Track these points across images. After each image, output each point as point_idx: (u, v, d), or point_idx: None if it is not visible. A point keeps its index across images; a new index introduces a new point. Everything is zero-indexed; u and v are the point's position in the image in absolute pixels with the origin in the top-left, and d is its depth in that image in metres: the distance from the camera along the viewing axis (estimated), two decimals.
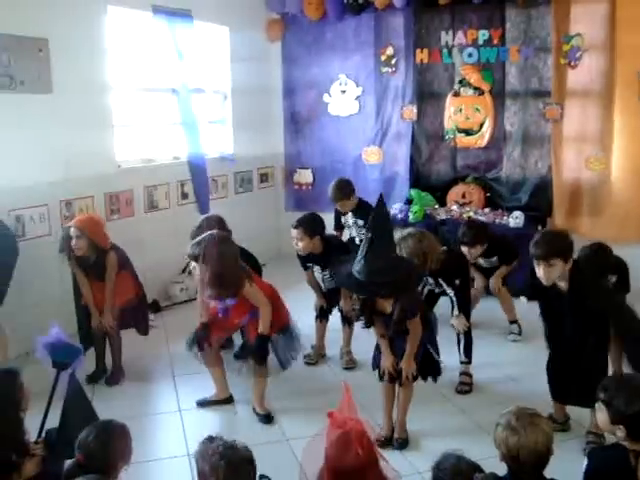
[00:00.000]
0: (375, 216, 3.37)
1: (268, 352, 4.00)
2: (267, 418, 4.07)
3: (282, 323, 4.09)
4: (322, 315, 4.95)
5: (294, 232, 4.55)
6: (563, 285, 3.52)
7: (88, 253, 4.44)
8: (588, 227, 6.47)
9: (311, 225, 4.57)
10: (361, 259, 3.35)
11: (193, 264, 3.83)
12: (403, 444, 3.74)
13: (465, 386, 4.45)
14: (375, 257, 3.30)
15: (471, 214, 6.51)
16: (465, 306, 4.45)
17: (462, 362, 4.52)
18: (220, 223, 4.64)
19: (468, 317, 4.49)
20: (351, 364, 4.83)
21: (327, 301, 4.89)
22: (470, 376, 4.50)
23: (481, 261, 5.35)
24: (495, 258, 5.35)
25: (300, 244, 4.55)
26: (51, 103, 5.11)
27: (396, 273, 3.35)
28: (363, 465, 2.11)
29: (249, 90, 7.42)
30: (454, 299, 4.39)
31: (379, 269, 3.30)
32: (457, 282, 4.36)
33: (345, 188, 5.34)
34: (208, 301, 3.96)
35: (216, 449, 2.21)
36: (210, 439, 2.29)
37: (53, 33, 5.08)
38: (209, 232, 3.87)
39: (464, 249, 5.03)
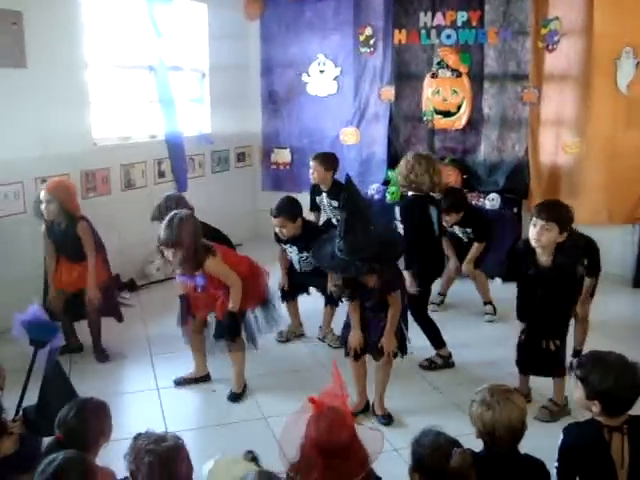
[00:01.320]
0: (346, 196, 3.41)
1: (239, 328, 4.00)
2: (235, 396, 4.10)
3: (260, 297, 4.11)
4: (286, 296, 4.93)
5: (275, 221, 4.53)
6: (544, 260, 3.65)
7: (58, 219, 4.40)
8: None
9: (291, 209, 4.55)
10: (340, 239, 3.38)
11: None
12: (389, 421, 3.80)
13: (426, 362, 4.49)
14: (354, 234, 3.34)
15: None
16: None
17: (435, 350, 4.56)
18: (181, 201, 4.62)
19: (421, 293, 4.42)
20: (338, 342, 4.71)
21: (296, 283, 4.89)
22: (442, 357, 4.52)
23: (457, 230, 5.41)
24: (470, 230, 5.39)
25: (284, 231, 4.54)
26: (26, 78, 5.02)
27: (377, 247, 3.38)
28: (352, 439, 2.16)
29: (227, 68, 7.37)
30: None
31: (360, 246, 3.33)
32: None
33: (329, 158, 5.32)
34: (181, 280, 4.00)
35: (141, 446, 2.19)
36: (135, 437, 2.27)
37: (28, 6, 4.98)
38: (174, 212, 3.81)
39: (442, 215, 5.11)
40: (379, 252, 3.37)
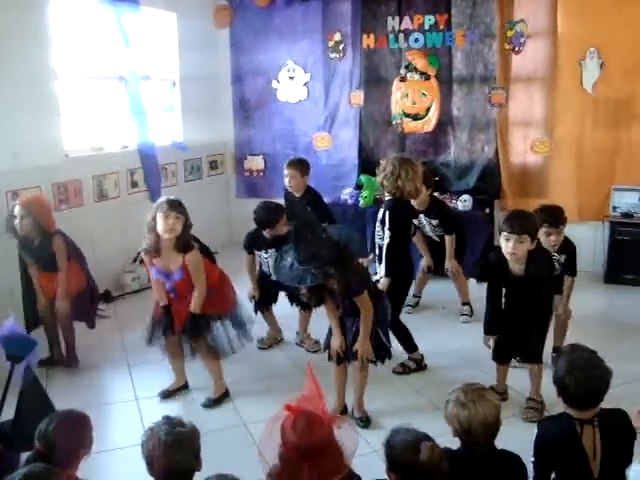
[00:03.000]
0: (288, 207, 3.44)
1: (200, 330, 4.01)
2: (209, 402, 4.12)
3: (226, 308, 4.12)
4: (259, 306, 4.92)
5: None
6: (517, 268, 3.72)
7: (32, 235, 4.38)
8: (534, 208, 6.64)
9: (304, 164, 5.04)
10: (295, 249, 3.38)
11: (144, 243, 3.90)
12: (366, 423, 3.83)
13: (399, 367, 4.48)
14: (306, 241, 3.34)
15: None
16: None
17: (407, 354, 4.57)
18: None
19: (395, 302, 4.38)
20: (316, 347, 4.79)
21: (267, 290, 4.87)
22: (414, 361, 4.54)
23: (423, 220, 5.40)
24: (436, 222, 5.40)
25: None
26: None
27: (333, 248, 3.38)
28: (331, 436, 2.18)
29: (198, 77, 7.37)
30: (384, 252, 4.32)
31: (314, 252, 3.33)
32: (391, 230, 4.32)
33: (304, 163, 5.33)
34: (156, 278, 3.98)
35: (157, 432, 2.36)
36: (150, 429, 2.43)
37: None
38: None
39: None
40: (335, 254, 3.37)
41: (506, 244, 3.66)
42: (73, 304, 4.58)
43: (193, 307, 3.92)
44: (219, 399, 4.15)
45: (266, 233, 4.64)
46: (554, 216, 4.25)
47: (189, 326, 3.97)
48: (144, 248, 3.93)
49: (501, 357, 4.03)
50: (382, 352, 3.84)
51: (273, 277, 4.71)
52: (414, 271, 4.87)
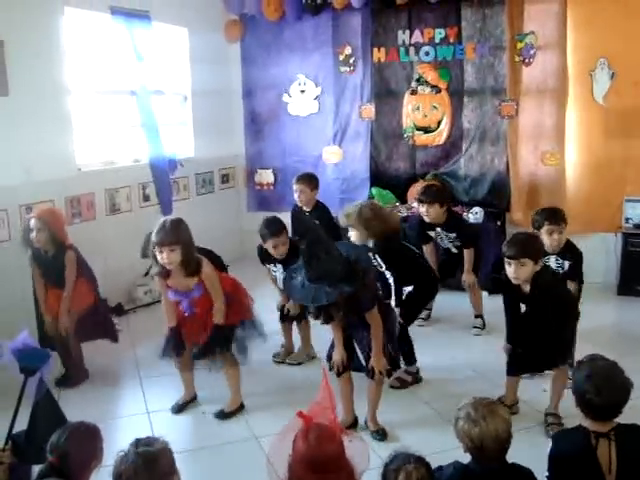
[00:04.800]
0: (298, 226, 3.40)
1: (228, 343, 4.02)
2: (223, 415, 4.12)
3: (242, 317, 4.12)
4: (284, 316, 4.92)
5: (275, 240, 4.50)
6: (525, 287, 3.70)
7: (47, 247, 4.43)
8: (534, 211, 6.62)
9: (313, 179, 5.03)
10: (306, 267, 3.32)
11: (154, 269, 3.85)
12: (382, 436, 3.80)
13: (397, 382, 4.38)
14: (318, 259, 3.27)
15: None
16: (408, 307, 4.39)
17: (405, 364, 4.45)
18: None
19: (408, 317, 4.42)
20: (301, 358, 4.90)
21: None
22: (411, 374, 4.48)
23: (441, 233, 5.38)
24: (454, 235, 5.37)
25: (282, 248, 4.51)
26: (8, 106, 5.04)
27: (345, 265, 3.31)
28: (341, 452, 2.17)
29: (209, 91, 7.42)
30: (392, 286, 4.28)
31: (327, 269, 3.26)
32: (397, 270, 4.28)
33: (313, 178, 5.37)
34: (173, 300, 3.97)
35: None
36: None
37: (9, 35, 5.01)
38: (164, 219, 3.87)
39: (422, 209, 5.16)
40: (348, 270, 3.31)
41: (508, 268, 3.64)
42: (82, 322, 4.59)
43: (216, 319, 3.92)
44: (233, 412, 4.14)
45: (269, 249, 4.59)
46: (555, 214, 4.33)
47: (215, 338, 3.96)
48: (155, 273, 3.91)
49: (515, 370, 3.98)
50: (393, 365, 3.81)
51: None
52: (437, 284, 4.79)
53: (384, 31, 7.09)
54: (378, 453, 3.48)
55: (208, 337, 3.97)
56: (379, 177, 7.29)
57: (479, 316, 5.55)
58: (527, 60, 6.59)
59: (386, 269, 4.24)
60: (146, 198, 6.66)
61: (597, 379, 2.44)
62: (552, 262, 4.36)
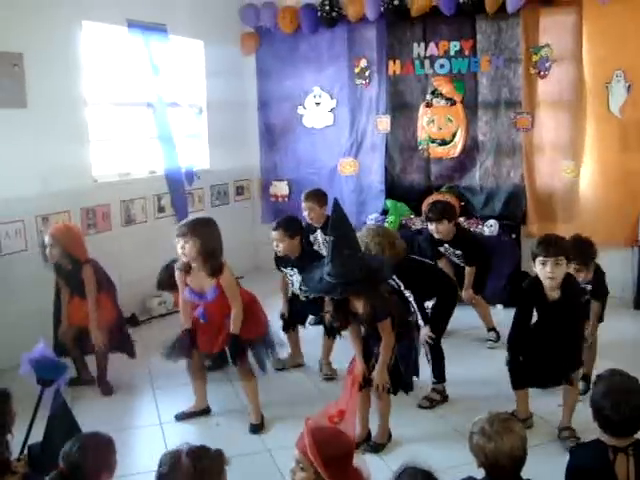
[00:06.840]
0: (335, 219, 3.46)
1: (244, 352, 4.04)
2: (254, 428, 4.09)
3: (259, 331, 4.14)
4: (286, 325, 4.94)
5: (274, 234, 4.62)
6: (553, 293, 3.68)
7: (62, 261, 4.50)
8: (561, 234, 6.52)
9: (290, 226, 4.64)
10: (329, 262, 3.43)
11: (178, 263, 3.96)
12: (375, 448, 3.79)
13: (426, 401, 4.36)
14: (341, 258, 3.38)
15: None
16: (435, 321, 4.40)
17: (433, 382, 4.45)
18: None
19: (438, 330, 4.42)
20: (331, 374, 4.82)
21: (295, 312, 4.91)
22: (440, 393, 4.44)
23: (449, 249, 5.35)
24: (459, 252, 5.35)
25: (281, 245, 4.61)
26: (26, 118, 5.10)
27: (363, 272, 3.41)
28: (351, 450, 2.20)
29: (224, 103, 7.46)
30: (414, 305, 4.30)
31: (346, 269, 3.38)
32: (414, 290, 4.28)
33: (320, 194, 5.37)
34: (188, 299, 4.01)
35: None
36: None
37: (28, 48, 5.08)
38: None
39: (431, 227, 5.14)
40: (363, 277, 3.41)
41: (543, 269, 3.62)
42: (109, 335, 4.64)
43: (233, 328, 3.93)
44: (262, 424, 4.13)
45: (279, 251, 4.65)
46: (585, 254, 4.19)
47: (231, 349, 4.00)
48: (177, 267, 4.00)
49: (519, 383, 3.94)
50: (400, 384, 3.81)
51: (301, 296, 4.76)
52: (457, 291, 4.80)
53: (399, 44, 7.10)
54: (387, 463, 3.48)
55: (222, 347, 4.00)
56: (394, 189, 7.28)
57: (492, 329, 5.51)
58: (542, 73, 6.57)
59: (405, 288, 4.24)
60: (161, 209, 6.69)
61: (615, 395, 2.41)
62: None
